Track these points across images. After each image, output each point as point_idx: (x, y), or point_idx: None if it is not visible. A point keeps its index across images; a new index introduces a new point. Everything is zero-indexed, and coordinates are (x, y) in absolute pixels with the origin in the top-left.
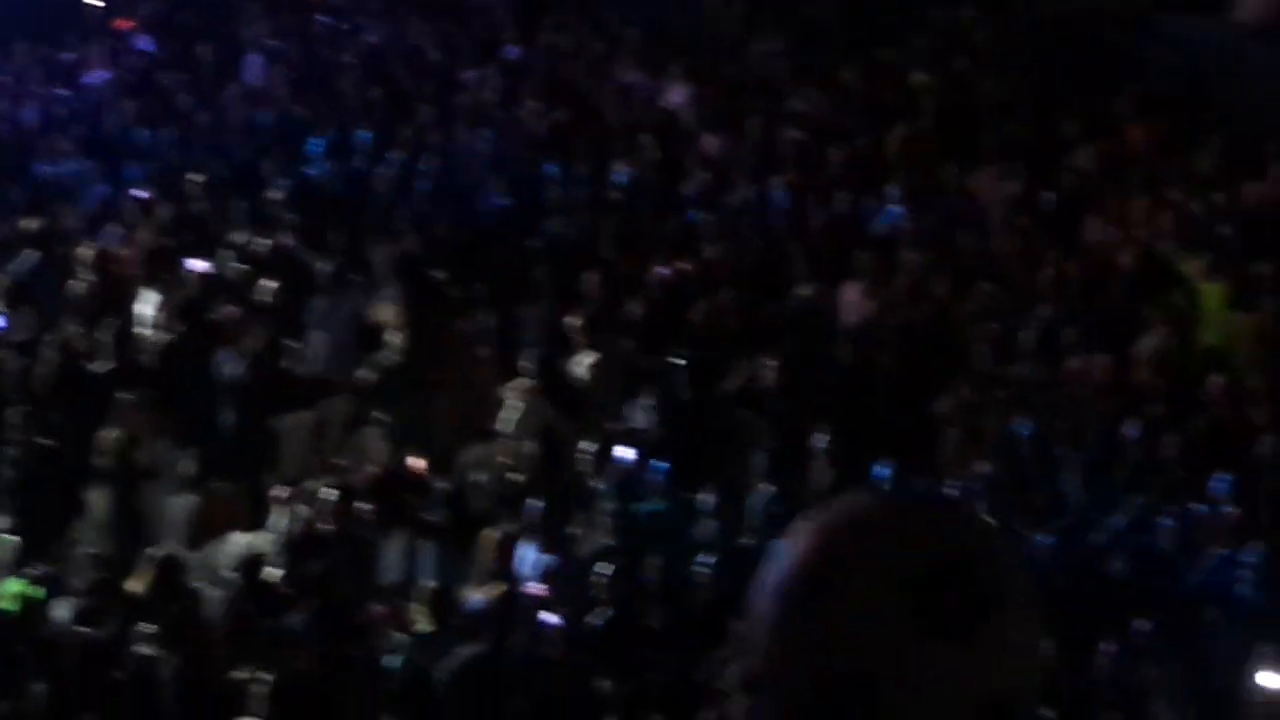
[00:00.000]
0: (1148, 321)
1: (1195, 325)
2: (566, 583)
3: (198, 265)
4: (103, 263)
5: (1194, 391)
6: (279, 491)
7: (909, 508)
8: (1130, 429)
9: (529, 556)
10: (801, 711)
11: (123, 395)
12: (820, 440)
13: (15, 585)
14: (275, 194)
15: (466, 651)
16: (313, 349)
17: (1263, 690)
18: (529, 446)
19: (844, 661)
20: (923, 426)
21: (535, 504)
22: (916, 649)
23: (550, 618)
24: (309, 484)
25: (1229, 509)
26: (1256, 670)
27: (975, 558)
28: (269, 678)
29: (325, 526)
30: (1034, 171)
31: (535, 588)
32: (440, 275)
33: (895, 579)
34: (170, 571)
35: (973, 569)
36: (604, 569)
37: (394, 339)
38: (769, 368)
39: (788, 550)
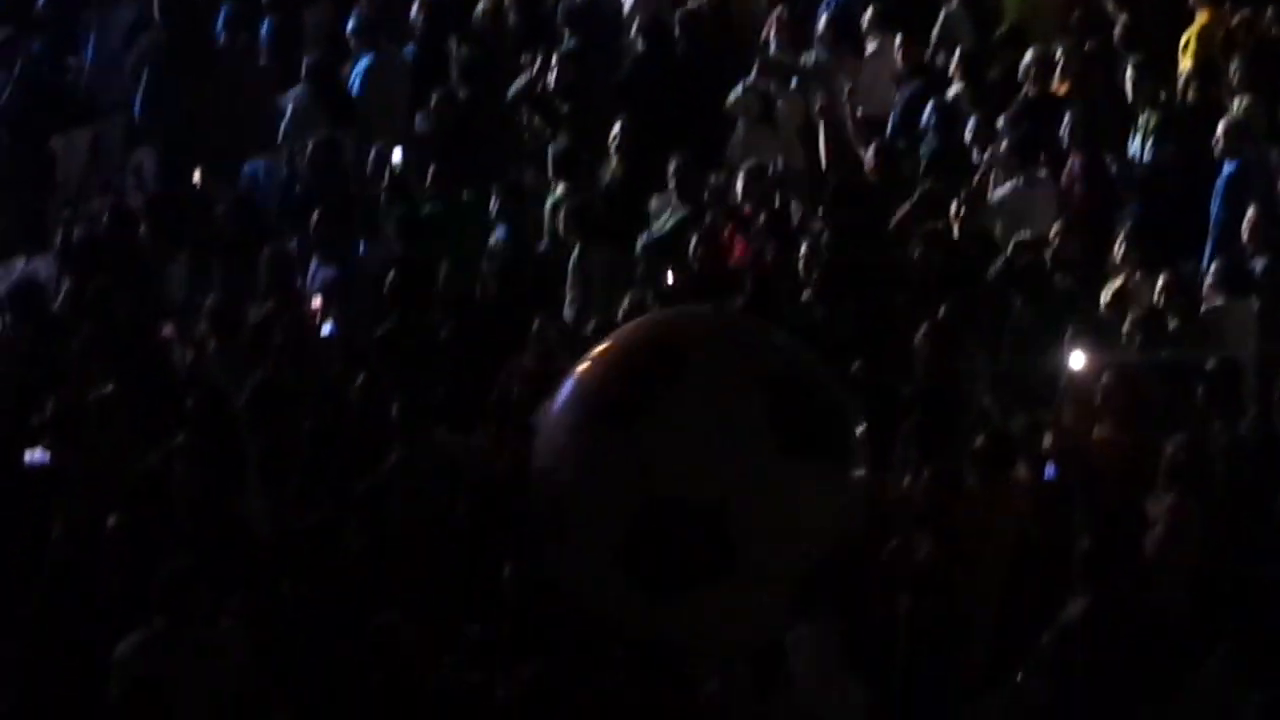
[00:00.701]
0: None
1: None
2: (350, 293)
3: None
4: None
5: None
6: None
7: (736, 317)
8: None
9: (312, 268)
10: (619, 556)
11: None
12: (612, 133)
13: None
14: None
15: (257, 375)
16: (88, 62)
17: (1071, 369)
18: (308, 156)
19: (680, 487)
20: (716, 117)
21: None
22: (776, 468)
23: (331, 329)
24: (88, 204)
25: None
26: (1065, 350)
27: (821, 372)
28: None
29: (106, 245)
30: None
31: (316, 300)
32: None
33: (752, 377)
34: None
35: (823, 381)
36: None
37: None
38: (554, 64)
39: (589, 373)
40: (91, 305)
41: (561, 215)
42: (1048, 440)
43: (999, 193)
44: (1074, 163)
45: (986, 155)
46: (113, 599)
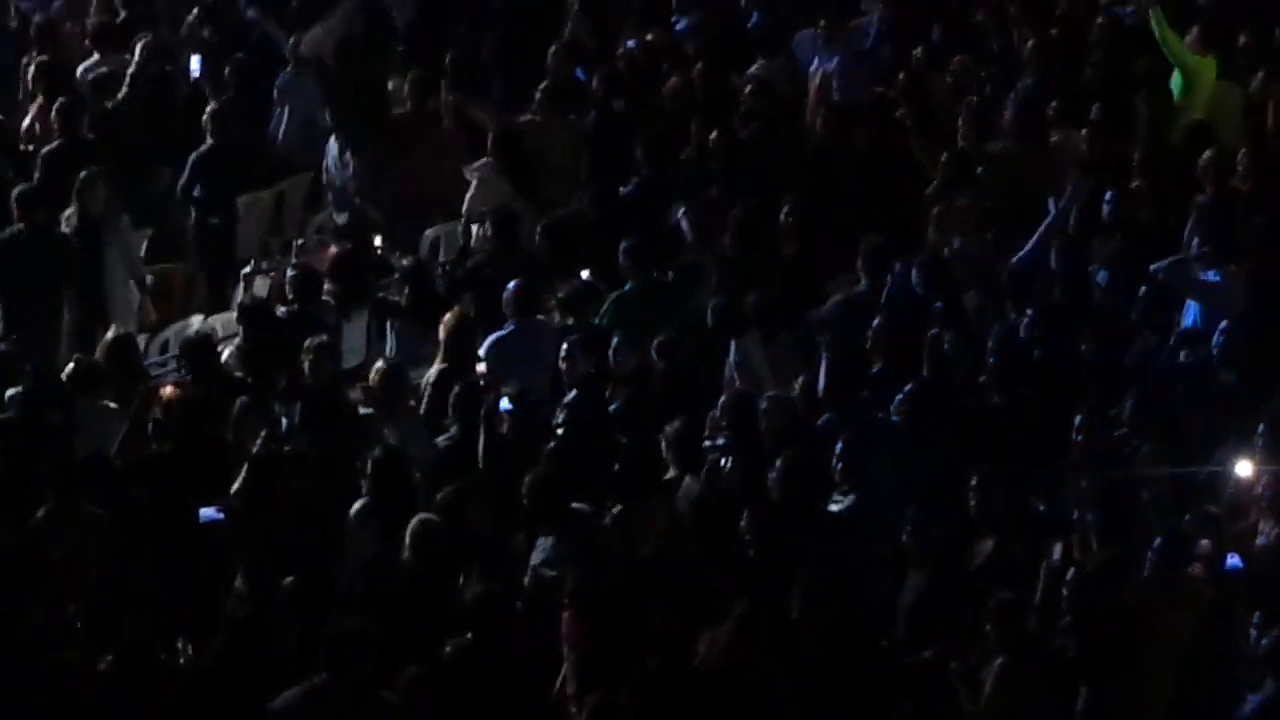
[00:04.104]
0: (1126, 94)
1: (1172, 97)
2: (529, 365)
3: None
4: (49, 35)
5: (1176, 165)
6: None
7: None
8: (1110, 203)
9: (491, 338)
10: None
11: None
12: (791, 214)
13: None
14: None
15: (442, 439)
16: (278, 125)
17: (1235, 474)
18: (490, 226)
19: None
20: (898, 202)
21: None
22: None
23: (511, 403)
24: (269, 263)
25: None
26: (1229, 454)
27: None
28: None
29: (285, 306)
30: None
31: (496, 370)
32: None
33: None
34: (123, 351)
35: None
36: (568, 350)
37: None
38: (738, 142)
39: None
40: (271, 364)
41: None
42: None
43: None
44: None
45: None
46: (283, 656)
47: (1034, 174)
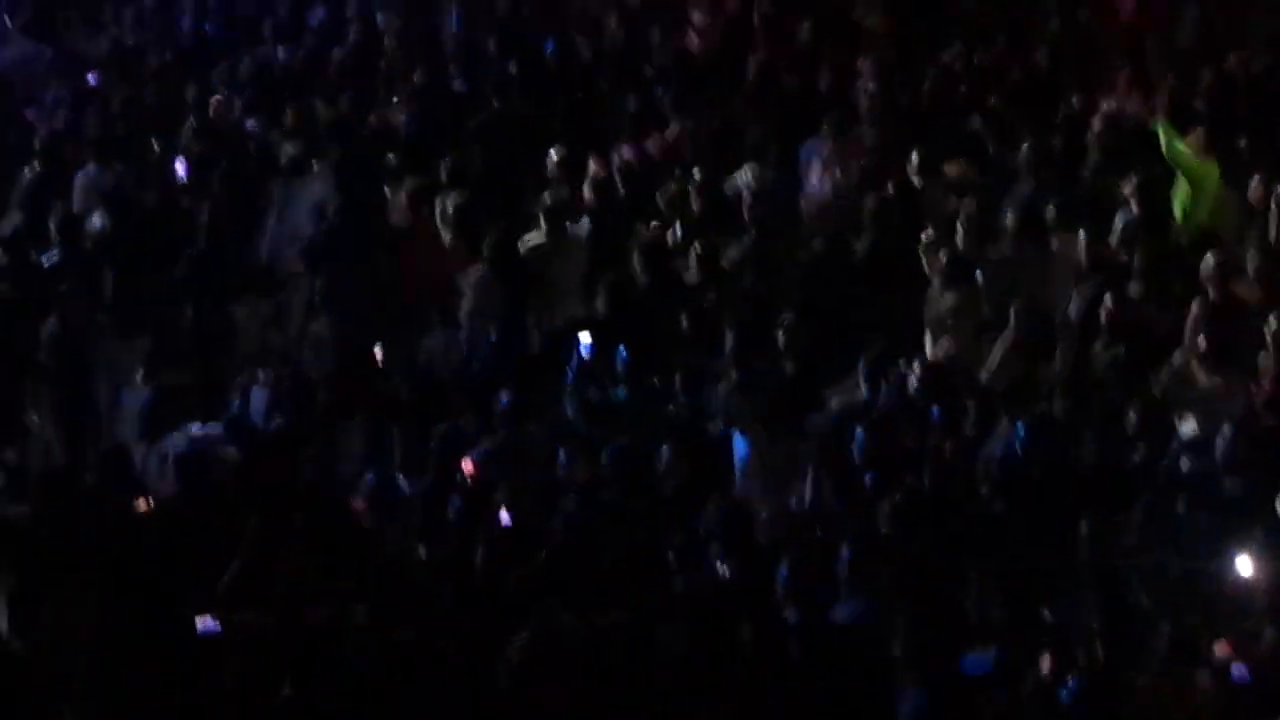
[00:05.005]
0: (1127, 197)
1: (1174, 201)
2: (525, 473)
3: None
4: (52, 148)
5: (1177, 268)
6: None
7: None
8: (1111, 307)
9: (487, 445)
10: None
11: (71, 285)
12: (786, 324)
13: None
14: (233, 73)
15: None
16: (270, 234)
17: (1238, 575)
18: (488, 334)
19: None
20: (895, 310)
21: (493, 393)
22: None
23: (507, 514)
24: (267, 373)
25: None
26: (1231, 556)
27: None
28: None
29: (284, 415)
30: (1012, 42)
31: (488, 478)
32: (397, 158)
33: None
34: (118, 464)
35: None
36: (564, 458)
37: (351, 225)
38: (732, 250)
39: None
40: (271, 474)
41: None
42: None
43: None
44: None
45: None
46: None
47: (1034, 279)
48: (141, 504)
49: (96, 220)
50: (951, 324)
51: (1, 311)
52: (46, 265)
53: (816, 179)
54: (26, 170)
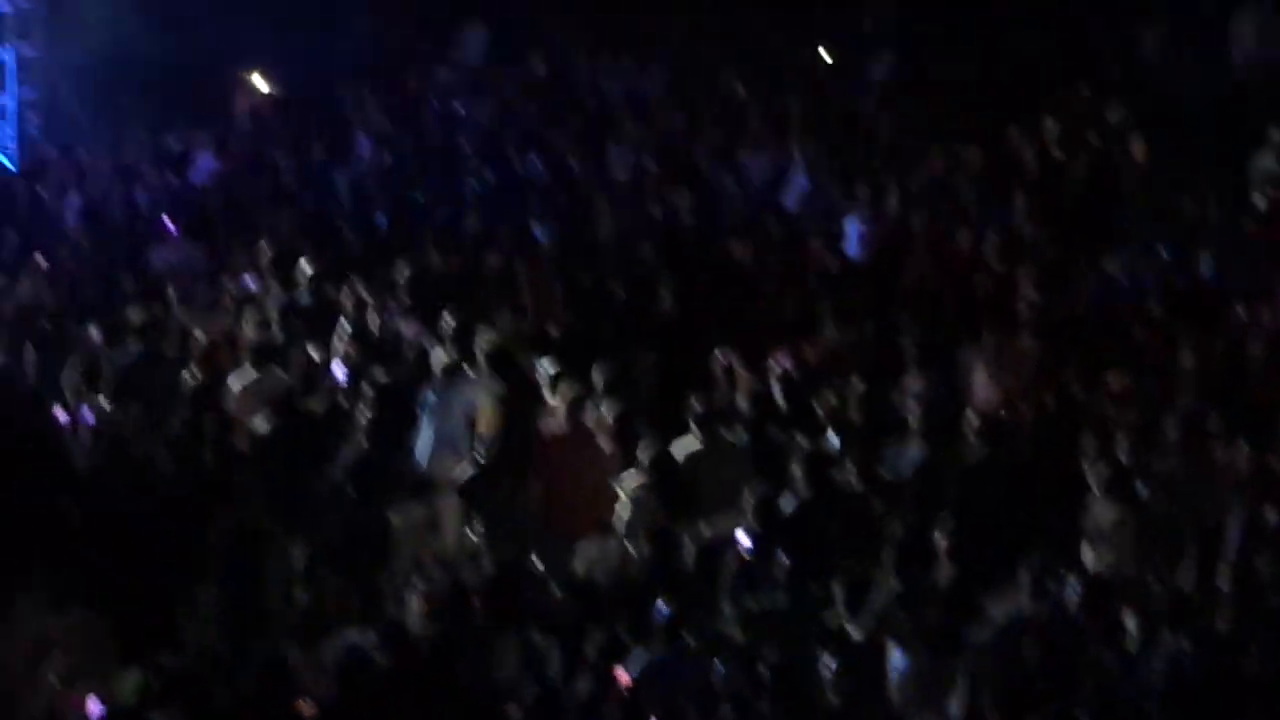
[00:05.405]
0: None
1: None
2: (682, 682)
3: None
4: (209, 353)
5: None
6: (391, 586)
7: None
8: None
9: (643, 655)
10: None
11: (233, 487)
12: (946, 533)
13: (131, 679)
14: (389, 279)
15: None
16: (424, 441)
17: None
18: (642, 543)
19: None
20: (1056, 520)
21: (650, 601)
22: None
23: None
24: (422, 580)
25: None
26: None
27: None
28: None
29: (440, 622)
30: (1174, 251)
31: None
32: (552, 365)
33: None
34: (276, 671)
35: None
36: (721, 667)
37: (505, 432)
38: (892, 456)
39: None
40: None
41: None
42: None
43: None
44: None
45: None
46: None
47: (1196, 491)
48: (303, 709)
49: (257, 423)
50: (1112, 536)
51: (166, 513)
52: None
53: (977, 387)
54: (185, 374)
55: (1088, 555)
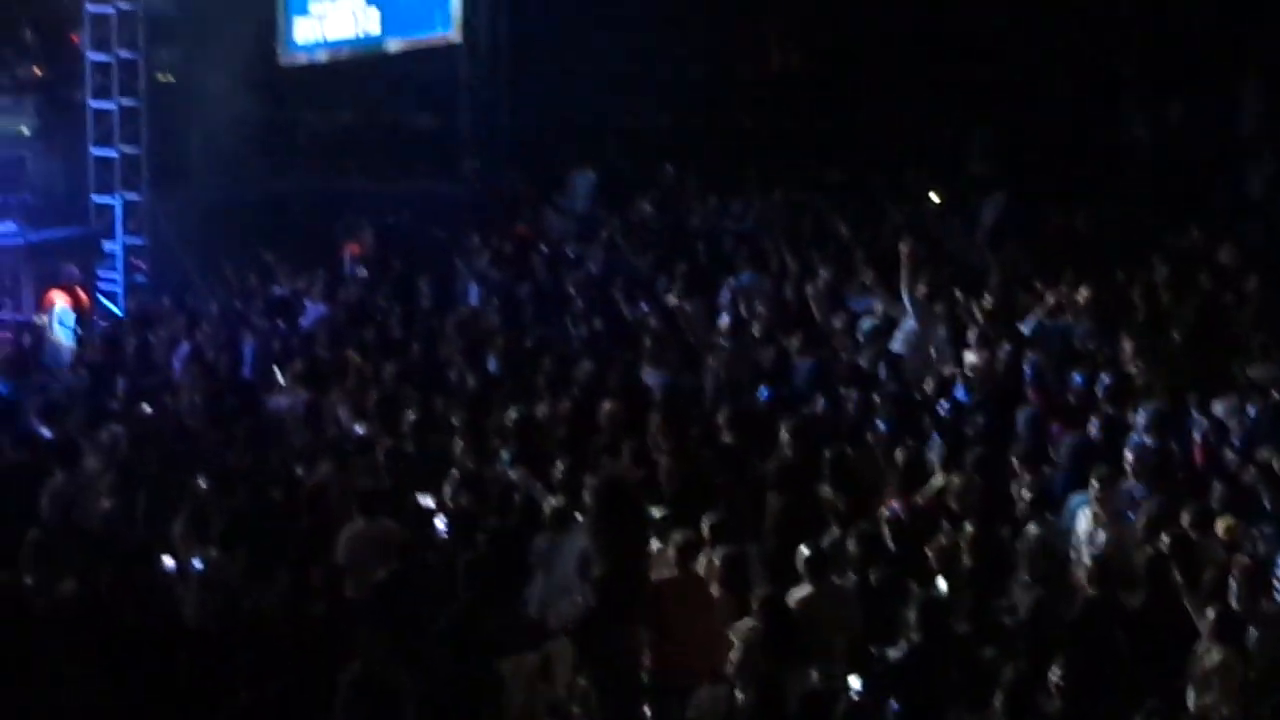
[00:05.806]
0: None
1: None
2: None
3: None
4: (318, 500)
5: None
6: None
7: None
8: None
9: None
10: None
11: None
12: (1058, 677)
13: None
14: (499, 423)
15: None
16: (536, 588)
17: None
18: (750, 692)
19: None
20: (1166, 665)
21: None
22: None
23: None
24: None
25: None
26: None
27: None
28: None
29: None
30: None
31: None
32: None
33: None
34: None
35: None
36: None
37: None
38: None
39: None
40: None
41: None
42: None
43: None
44: None
45: None
46: None
47: None
48: None
49: (367, 572)
50: (1217, 682)
51: (276, 666)
52: None
53: (1084, 532)
54: (294, 523)
55: (1190, 700)
